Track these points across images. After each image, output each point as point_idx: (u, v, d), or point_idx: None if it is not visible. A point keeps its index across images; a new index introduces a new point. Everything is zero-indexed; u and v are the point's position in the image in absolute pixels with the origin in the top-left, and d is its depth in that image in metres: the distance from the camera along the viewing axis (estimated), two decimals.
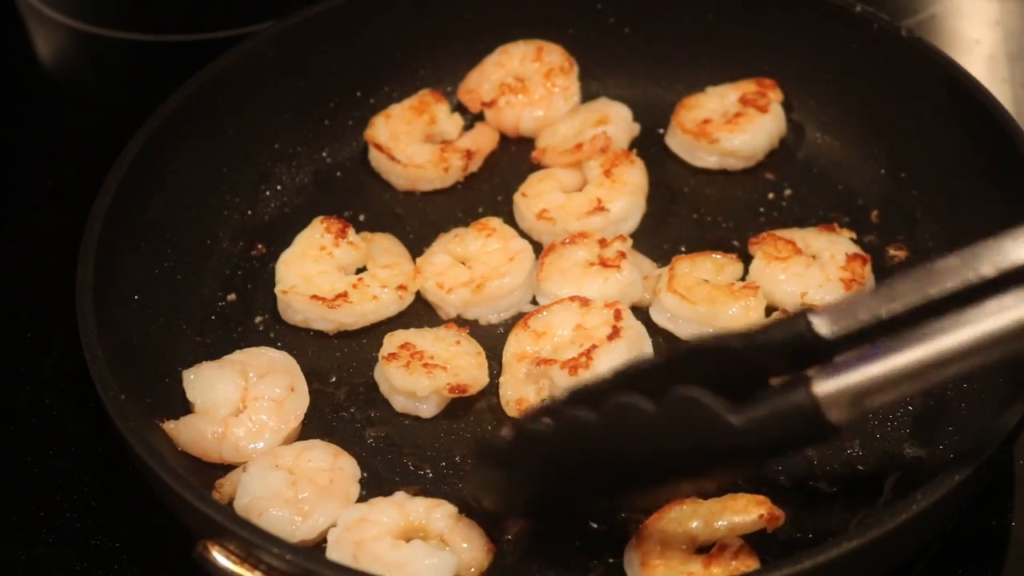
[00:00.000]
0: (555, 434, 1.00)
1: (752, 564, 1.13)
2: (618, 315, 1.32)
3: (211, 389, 1.29)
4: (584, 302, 1.34)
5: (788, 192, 1.52)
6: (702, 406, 0.94)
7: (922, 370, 0.95)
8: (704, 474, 1.02)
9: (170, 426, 1.26)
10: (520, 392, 1.30)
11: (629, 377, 1.04)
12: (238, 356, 1.34)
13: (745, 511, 1.15)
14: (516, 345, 1.33)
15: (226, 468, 1.26)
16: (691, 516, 1.15)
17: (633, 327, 1.33)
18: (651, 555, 1.13)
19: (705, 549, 1.15)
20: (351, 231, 1.44)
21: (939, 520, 1.14)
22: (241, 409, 1.28)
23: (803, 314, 1.00)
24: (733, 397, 0.98)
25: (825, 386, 0.95)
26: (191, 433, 1.26)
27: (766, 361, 1.01)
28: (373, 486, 1.25)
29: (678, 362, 1.04)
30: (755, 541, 1.16)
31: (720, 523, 1.15)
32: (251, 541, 1.05)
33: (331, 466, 1.23)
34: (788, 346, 1.00)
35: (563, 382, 1.27)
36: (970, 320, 0.95)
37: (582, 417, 0.98)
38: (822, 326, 1.00)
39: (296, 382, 1.31)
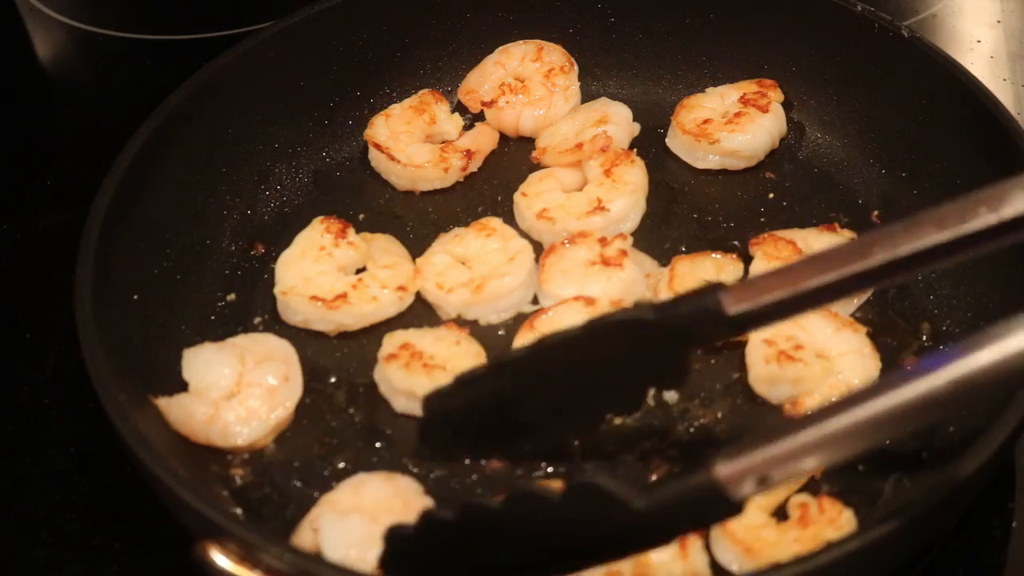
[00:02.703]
0: (458, 520, 1.00)
1: (839, 508, 1.15)
2: None
3: (207, 370, 1.29)
4: (589, 301, 1.34)
5: (788, 192, 1.52)
6: (607, 494, 0.94)
7: (826, 445, 0.94)
8: (609, 557, 1.03)
9: (162, 402, 1.25)
10: None
11: (552, 347, 1.11)
12: (239, 340, 1.34)
13: None
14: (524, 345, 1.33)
15: (215, 451, 1.26)
16: None
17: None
18: (747, 542, 1.14)
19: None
20: (351, 231, 1.44)
21: (940, 521, 1.14)
22: (234, 393, 1.28)
23: (713, 289, 1.04)
24: (655, 370, 1.08)
25: (728, 467, 0.94)
26: (181, 412, 1.26)
27: (680, 333, 1.07)
28: None
29: (599, 331, 1.10)
30: None
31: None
32: (251, 542, 1.05)
33: (394, 492, 1.21)
34: (699, 320, 1.05)
35: None
36: (879, 394, 0.93)
37: (485, 504, 0.99)
38: (729, 303, 1.03)
39: (291, 371, 1.31)
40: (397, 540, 1.04)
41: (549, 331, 1.31)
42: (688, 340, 1.11)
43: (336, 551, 1.15)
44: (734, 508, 0.95)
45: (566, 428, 1.23)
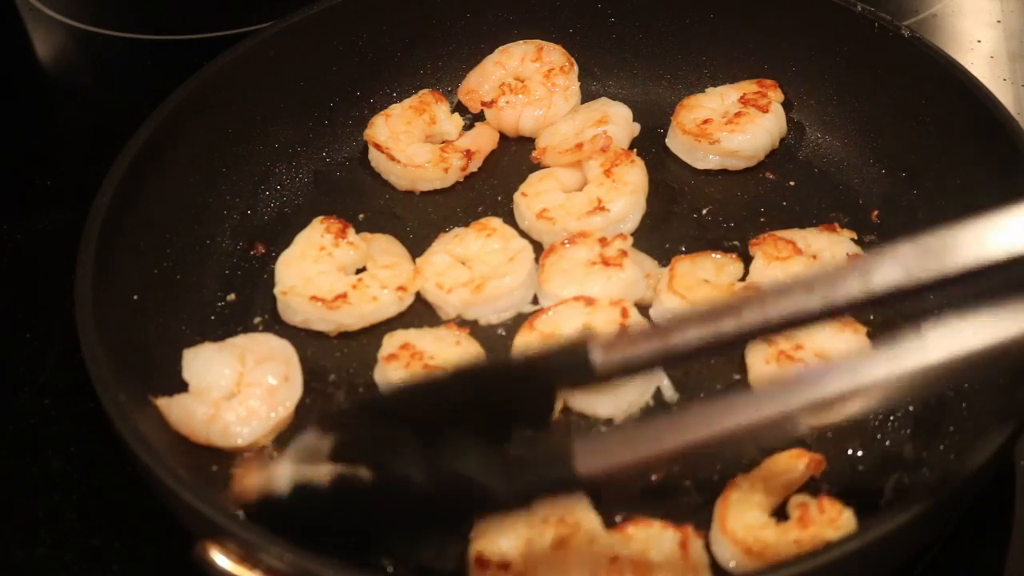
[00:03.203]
0: (328, 491, 1.04)
1: (839, 508, 1.15)
2: (624, 313, 1.32)
3: (207, 370, 1.29)
4: (589, 301, 1.34)
5: (788, 192, 1.52)
6: (467, 478, 1.00)
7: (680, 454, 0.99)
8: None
9: (162, 402, 1.25)
10: None
11: (421, 393, 1.11)
12: (239, 340, 1.34)
13: (791, 466, 1.19)
14: (523, 346, 1.33)
15: (215, 451, 1.26)
16: (750, 491, 1.17)
17: (640, 325, 1.32)
18: (747, 542, 1.14)
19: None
20: (351, 231, 1.44)
21: (940, 521, 1.14)
22: (234, 393, 1.28)
23: (582, 341, 1.04)
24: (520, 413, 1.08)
25: (588, 463, 0.99)
26: (181, 412, 1.26)
27: (547, 380, 1.08)
28: None
29: (466, 379, 1.11)
30: None
31: (777, 485, 1.18)
32: (251, 542, 1.05)
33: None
34: (568, 371, 1.05)
35: None
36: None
37: (358, 477, 1.03)
38: (597, 355, 1.03)
39: (292, 371, 1.31)
40: (264, 509, 1.08)
41: (550, 331, 1.32)
42: (554, 387, 1.12)
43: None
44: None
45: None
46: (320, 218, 1.45)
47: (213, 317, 1.41)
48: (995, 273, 0.96)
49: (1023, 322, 0.95)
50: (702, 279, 1.38)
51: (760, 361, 1.29)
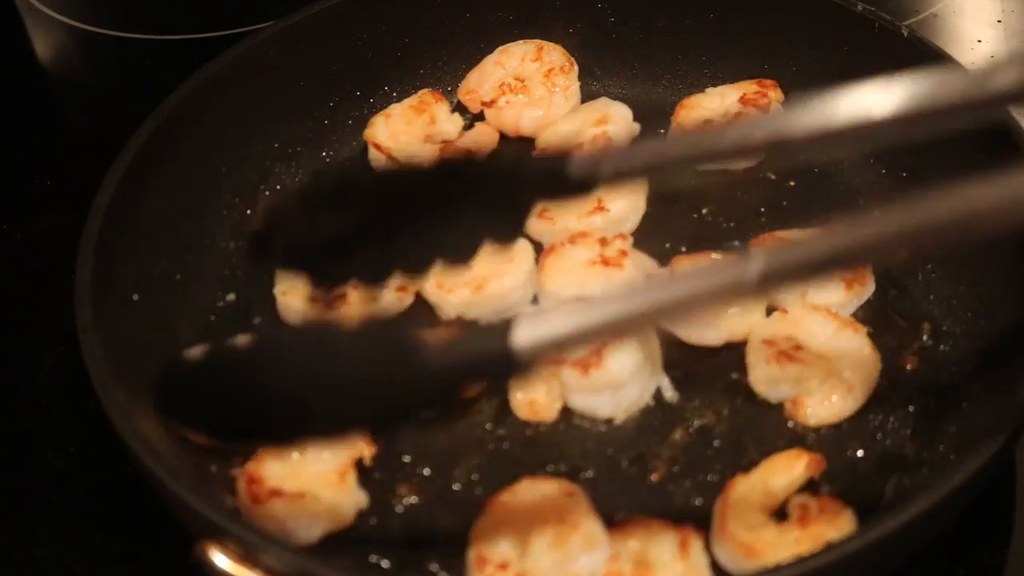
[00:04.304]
0: (249, 353, 1.03)
1: (840, 508, 1.15)
2: None
3: None
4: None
5: (788, 192, 1.52)
6: (398, 339, 0.98)
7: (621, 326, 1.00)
8: (396, 410, 1.05)
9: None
10: (531, 393, 1.29)
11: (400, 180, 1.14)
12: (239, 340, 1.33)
13: (790, 467, 1.19)
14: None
15: (215, 452, 1.25)
16: (750, 490, 1.17)
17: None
18: (747, 542, 1.14)
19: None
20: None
21: (941, 521, 1.14)
22: None
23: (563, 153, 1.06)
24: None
25: (525, 335, 0.98)
26: None
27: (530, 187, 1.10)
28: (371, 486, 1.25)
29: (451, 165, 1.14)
30: None
31: (777, 485, 1.17)
32: (251, 542, 1.05)
33: None
34: (545, 178, 1.08)
35: (573, 382, 1.27)
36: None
37: (278, 337, 1.04)
38: (574, 165, 1.05)
39: None
40: (175, 376, 1.08)
41: None
42: (531, 195, 1.12)
43: None
44: (523, 369, 0.99)
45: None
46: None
47: (213, 317, 1.41)
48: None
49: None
50: None
51: (760, 361, 1.29)
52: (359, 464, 1.23)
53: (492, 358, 0.99)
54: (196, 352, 1.07)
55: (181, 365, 1.08)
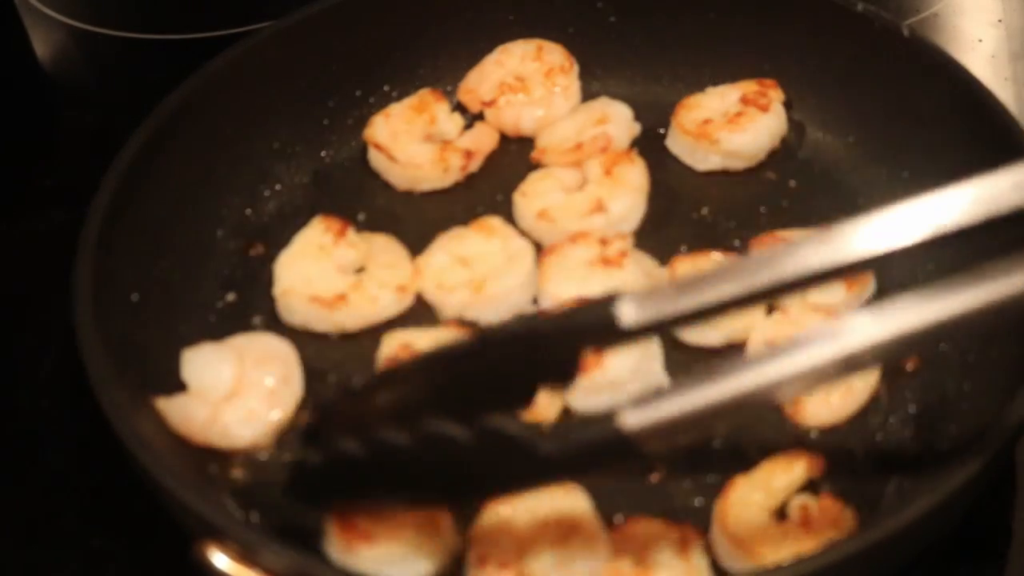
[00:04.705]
0: (367, 459, 1.05)
1: (840, 508, 1.15)
2: None
3: (206, 371, 1.29)
4: None
5: (788, 192, 1.52)
6: (512, 437, 1.00)
7: (732, 406, 0.99)
8: (519, 489, 1.09)
9: (161, 402, 1.25)
10: None
11: (443, 360, 1.10)
12: (238, 340, 1.34)
13: (790, 467, 1.19)
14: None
15: (214, 452, 1.26)
16: (750, 490, 1.17)
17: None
18: (747, 542, 1.14)
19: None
20: (351, 231, 1.44)
21: (941, 521, 1.13)
22: (234, 394, 1.28)
23: (609, 300, 1.04)
24: (549, 375, 1.07)
25: (635, 418, 0.99)
26: (180, 413, 1.25)
27: (575, 342, 1.06)
28: None
29: (493, 345, 1.10)
30: None
31: (777, 486, 1.17)
32: (250, 542, 1.05)
33: None
34: (593, 329, 1.05)
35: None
36: (781, 356, 0.98)
37: (393, 443, 1.03)
38: (626, 314, 1.03)
39: (291, 372, 1.31)
40: (303, 469, 1.10)
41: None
42: (580, 346, 1.09)
43: None
44: (641, 456, 1.00)
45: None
46: (320, 217, 1.45)
47: (212, 317, 1.41)
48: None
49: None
50: None
51: None
52: None
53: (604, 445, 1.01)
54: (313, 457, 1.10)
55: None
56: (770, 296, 1.02)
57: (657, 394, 1.00)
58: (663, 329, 1.05)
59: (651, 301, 1.03)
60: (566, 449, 1.01)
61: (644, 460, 1.05)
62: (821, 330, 0.99)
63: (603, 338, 1.07)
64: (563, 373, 1.10)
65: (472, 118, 1.62)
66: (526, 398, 1.15)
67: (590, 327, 1.06)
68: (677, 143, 1.56)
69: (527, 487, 1.09)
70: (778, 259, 1.01)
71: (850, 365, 0.98)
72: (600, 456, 1.02)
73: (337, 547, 1.15)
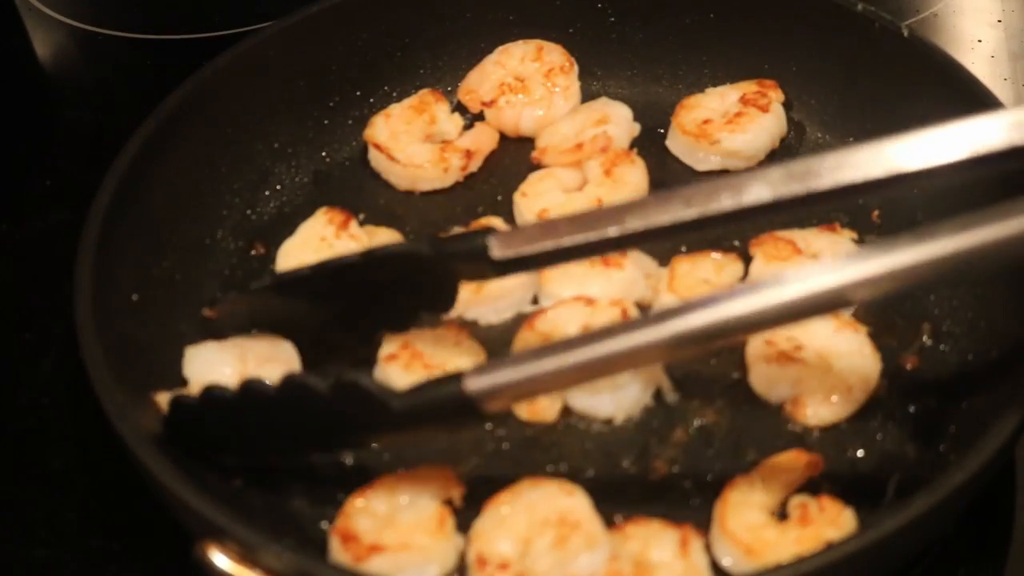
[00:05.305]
0: (238, 400, 1.14)
1: (840, 508, 1.15)
2: (624, 313, 1.32)
3: (208, 369, 1.29)
4: (589, 301, 1.34)
5: None
6: (366, 390, 1.09)
7: (577, 372, 1.07)
8: (369, 439, 1.20)
9: (162, 397, 1.25)
10: None
11: (330, 271, 1.25)
12: (240, 339, 1.33)
13: (791, 466, 1.19)
14: (522, 347, 1.33)
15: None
16: (750, 490, 1.18)
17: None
18: (747, 542, 1.14)
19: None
20: (353, 223, 1.44)
21: (941, 521, 1.14)
22: None
23: (484, 232, 1.17)
24: (428, 299, 1.25)
25: (479, 382, 1.07)
26: None
27: (451, 268, 1.21)
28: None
29: (375, 262, 1.23)
30: None
31: (777, 485, 1.18)
32: (251, 542, 1.05)
33: None
34: (468, 259, 1.18)
35: None
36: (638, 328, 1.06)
37: (263, 389, 1.13)
38: (495, 248, 1.16)
39: (292, 371, 1.31)
40: (179, 410, 1.18)
41: (549, 331, 1.32)
42: (457, 275, 1.23)
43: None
44: (481, 417, 1.09)
45: (347, 339, 1.33)
46: (324, 208, 1.46)
47: None
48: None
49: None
50: (702, 279, 1.38)
51: (760, 361, 1.29)
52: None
53: (449, 404, 1.09)
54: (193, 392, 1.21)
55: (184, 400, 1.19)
56: (624, 245, 1.15)
57: (498, 361, 1.10)
58: (530, 266, 1.18)
59: (519, 238, 1.16)
60: (415, 405, 1.09)
61: (485, 419, 1.16)
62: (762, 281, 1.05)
63: (476, 269, 1.19)
64: (441, 299, 1.25)
65: (472, 118, 1.62)
66: (408, 319, 1.29)
67: (464, 254, 1.18)
68: (677, 143, 1.56)
69: (379, 438, 1.19)
70: (638, 208, 1.13)
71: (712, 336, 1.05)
72: (445, 414, 1.09)
73: (345, 559, 1.15)
